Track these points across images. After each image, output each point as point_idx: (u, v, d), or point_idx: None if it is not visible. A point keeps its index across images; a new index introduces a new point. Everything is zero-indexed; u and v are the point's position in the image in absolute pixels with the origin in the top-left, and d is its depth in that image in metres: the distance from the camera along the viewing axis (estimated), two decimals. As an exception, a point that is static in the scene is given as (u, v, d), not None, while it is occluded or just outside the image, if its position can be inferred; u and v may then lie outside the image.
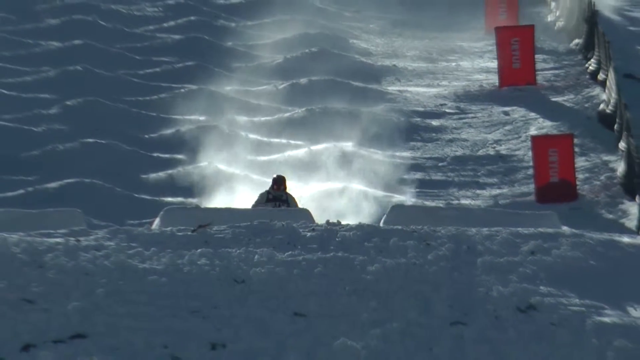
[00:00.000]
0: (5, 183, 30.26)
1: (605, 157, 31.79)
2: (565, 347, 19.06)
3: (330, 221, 23.38)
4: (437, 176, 31.87)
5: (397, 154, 32.55)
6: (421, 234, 21.91)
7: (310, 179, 30.54)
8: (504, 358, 18.91)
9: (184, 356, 18.88)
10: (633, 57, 37.64)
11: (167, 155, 32.12)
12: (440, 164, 32.38)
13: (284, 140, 33.30)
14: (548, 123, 33.34)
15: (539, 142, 30.66)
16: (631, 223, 28.44)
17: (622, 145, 31.28)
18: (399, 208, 25.08)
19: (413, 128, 33.86)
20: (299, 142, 32.93)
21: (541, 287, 20.38)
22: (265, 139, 33.45)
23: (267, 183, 30.19)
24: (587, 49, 38.28)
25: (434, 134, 33.51)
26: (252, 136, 33.47)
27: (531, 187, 30.68)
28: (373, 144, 32.68)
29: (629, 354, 18.89)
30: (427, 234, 21.93)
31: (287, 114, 34.95)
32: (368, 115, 34.22)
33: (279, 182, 27.73)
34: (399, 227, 22.43)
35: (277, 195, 27.18)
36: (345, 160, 31.80)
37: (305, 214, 24.38)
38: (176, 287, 20.39)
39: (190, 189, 29.74)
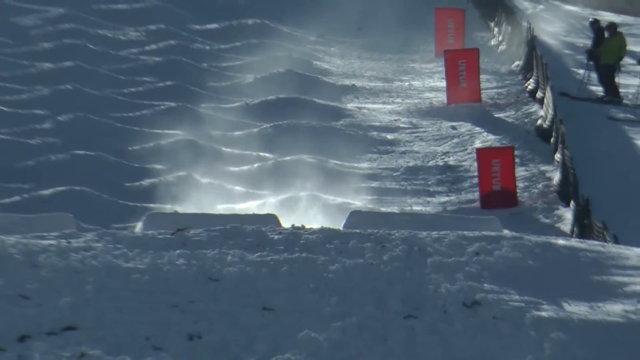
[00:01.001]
0: (3, 190, 30.22)
1: (543, 168, 31.89)
2: (507, 339, 19.12)
3: (295, 225, 23.42)
4: (392, 185, 31.89)
5: (356, 164, 32.59)
6: (377, 236, 21.94)
7: (278, 188, 30.57)
8: (451, 348, 18.95)
9: (164, 346, 18.88)
10: (567, 78, 37.73)
11: (148, 166, 32.11)
12: (394, 174, 32.40)
13: (254, 153, 33.33)
14: (491, 137, 33.42)
15: (483, 154, 30.72)
16: (566, 227, 28.52)
17: (557, 156, 31.36)
18: (357, 213, 25.11)
19: (370, 141, 33.91)
20: (267, 155, 32.96)
21: (485, 285, 20.43)
22: (237, 151, 33.47)
23: (238, 191, 30.20)
24: (526, 70, 38.37)
25: (388, 147, 33.55)
26: (225, 149, 33.49)
27: (476, 195, 30.73)
28: (334, 156, 32.71)
29: (564, 345, 18.96)
30: (382, 236, 21.97)
31: (256, 129, 34.98)
32: (330, 129, 34.26)
33: None
34: (357, 231, 22.47)
35: None
36: (309, 170, 31.83)
37: (273, 219, 24.41)
38: (157, 284, 20.41)
39: (169, 196, 29.74)
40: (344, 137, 33.14)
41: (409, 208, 29.99)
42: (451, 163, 31.77)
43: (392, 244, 21.78)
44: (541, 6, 47.03)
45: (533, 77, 37.12)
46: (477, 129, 34.19)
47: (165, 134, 33.91)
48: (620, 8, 51.37)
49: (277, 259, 21.18)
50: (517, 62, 39.17)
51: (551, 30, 44.09)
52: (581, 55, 39.62)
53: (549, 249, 22.13)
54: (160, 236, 22.03)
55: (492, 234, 22.86)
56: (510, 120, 34.99)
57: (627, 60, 37.82)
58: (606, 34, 38.06)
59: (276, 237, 22.12)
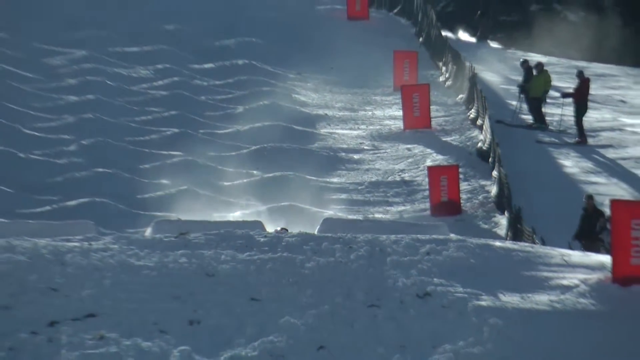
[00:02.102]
0: (36, 202, 30.20)
1: (482, 182, 31.92)
2: (452, 324, 19.13)
3: (278, 230, 23.44)
4: (358, 197, 31.87)
5: (328, 179, 32.58)
6: (345, 239, 21.94)
7: (263, 199, 30.57)
8: (407, 332, 18.96)
9: (168, 330, 18.86)
10: (503, 108, 37.82)
11: (156, 181, 32.08)
12: (359, 187, 32.41)
13: (243, 170, 33.30)
14: (440, 157, 33.43)
15: (433, 171, 30.77)
16: (501, 231, 28.57)
17: (494, 173, 31.43)
18: (329, 220, 25.10)
19: (339, 160, 33.87)
20: (254, 172, 32.94)
21: (434, 279, 20.44)
22: (229, 169, 33.44)
23: (230, 202, 30.15)
24: (468, 102, 38.40)
25: (355, 165, 33.55)
26: (219, 167, 33.46)
27: (427, 205, 30.73)
28: (310, 172, 32.71)
29: (499, 328, 18.99)
30: (349, 239, 21.96)
31: (245, 150, 34.94)
32: (306, 151, 34.24)
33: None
34: (329, 235, 22.47)
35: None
36: (289, 184, 31.85)
37: (259, 224, 24.37)
38: (163, 279, 20.40)
39: (173, 206, 29.72)
40: (318, 157, 33.16)
41: (372, 216, 29.99)
42: (407, 178, 31.76)
43: (357, 245, 21.78)
44: (483, 49, 46.95)
45: (474, 107, 37.14)
46: (428, 150, 34.19)
47: (169, 155, 33.88)
48: (546, 50, 51.54)
49: (262, 257, 21.19)
50: (461, 95, 39.19)
51: (489, 68, 44.13)
52: (514, 89, 39.68)
53: (487, 249, 22.16)
54: (166, 239, 22.01)
55: (441, 237, 22.87)
56: (455, 143, 35.00)
57: (552, 93, 37.90)
58: (534, 72, 38.17)
59: (262, 239, 22.11)
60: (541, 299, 19.97)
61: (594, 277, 20.70)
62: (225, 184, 31.74)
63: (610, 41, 54.10)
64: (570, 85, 37.84)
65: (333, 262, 21.04)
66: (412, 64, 40.55)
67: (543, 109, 37.47)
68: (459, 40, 47.50)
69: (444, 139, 35.24)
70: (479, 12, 54.86)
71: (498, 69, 44.54)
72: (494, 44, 52.54)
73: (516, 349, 18.59)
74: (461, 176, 30.85)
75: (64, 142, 34.07)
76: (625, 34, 53.42)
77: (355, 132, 35.86)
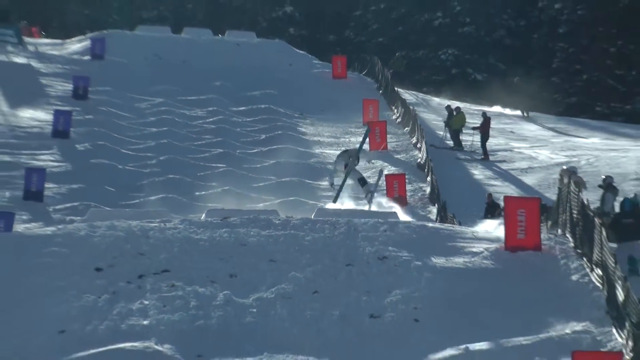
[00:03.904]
0: (130, 197, 30.14)
1: (421, 185, 31.87)
2: (401, 277, 19.18)
3: (287, 216, 23.48)
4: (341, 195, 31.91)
5: (320, 183, 32.47)
6: (331, 222, 21.90)
7: (278, 195, 30.48)
8: (371, 282, 19.00)
9: (216, 280, 18.89)
10: (433, 136, 37.88)
11: (209, 183, 32.05)
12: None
13: (265, 176, 33.22)
14: (393, 168, 33.36)
15: (389, 177, 30.75)
16: (433, 217, 28.57)
17: (428, 179, 31.50)
18: (321, 210, 25.13)
19: (327, 170, 33.82)
20: (272, 177, 32.87)
21: (389, 248, 20.45)
22: (256, 175, 33.37)
23: (257, 198, 30.14)
24: (411, 132, 38.41)
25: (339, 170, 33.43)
26: (250, 174, 33.35)
27: (384, 199, 30.78)
28: (308, 178, 32.65)
29: (431, 280, 19.02)
30: (334, 222, 21.93)
31: (266, 164, 34.60)
32: (306, 164, 34.16)
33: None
34: (321, 219, 22.52)
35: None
36: (294, 185, 31.81)
37: (275, 212, 24.34)
38: (212, 247, 20.44)
39: (219, 200, 29.73)
40: (313, 168, 33.01)
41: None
42: (371, 181, 31.76)
43: (339, 225, 21.79)
44: (413, 99, 46.66)
45: (415, 136, 37.20)
46: (385, 164, 34.15)
47: (216, 166, 33.80)
48: (462, 99, 51.55)
49: (277, 233, 21.20)
50: (407, 128, 39.20)
51: (425, 111, 44.24)
52: (441, 124, 39.75)
53: (424, 228, 22.20)
54: (214, 221, 22.03)
55: (394, 219, 22.94)
56: (403, 159, 34.98)
57: (467, 126, 38.00)
58: (454, 113, 38.30)
59: (277, 222, 22.13)
60: (458, 261, 20.03)
61: (493, 246, 20.76)
62: (253, 185, 31.72)
63: (503, 92, 54.28)
64: (477, 121, 37.92)
65: (323, 237, 21.06)
66: (374, 107, 40.50)
67: (460, 137, 37.56)
68: (404, 92, 47.40)
69: (395, 157, 35.23)
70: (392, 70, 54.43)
71: (430, 111, 44.59)
72: (427, 95, 52.48)
73: (441, 293, 18.67)
74: (407, 180, 30.82)
75: (147, 158, 34.11)
76: (513, 87, 53.45)
77: (338, 152, 35.87)
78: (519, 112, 42.73)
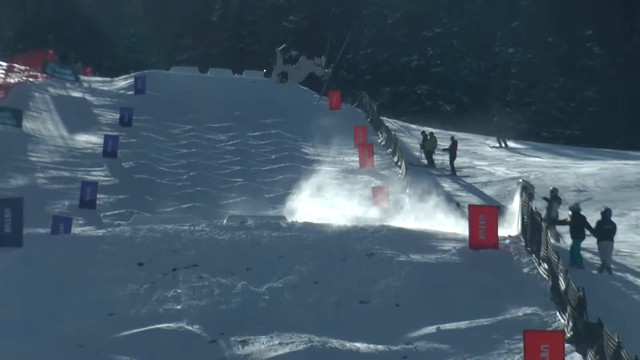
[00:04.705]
0: (166, 205, 29.80)
1: (401, 195, 31.60)
2: (385, 270, 19.16)
3: (292, 221, 23.43)
4: (336, 202, 31.53)
5: (320, 194, 32.20)
6: (328, 225, 21.98)
7: (285, 204, 30.20)
8: (361, 274, 18.97)
9: (236, 272, 18.86)
10: (411, 156, 37.68)
11: (229, 195, 31.77)
12: (336, 198, 31.97)
13: (276, 189, 32.98)
14: (378, 182, 33.22)
15: (375, 189, 30.25)
16: (410, 219, 28.26)
17: (407, 190, 31.22)
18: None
19: (326, 184, 33.12)
20: (281, 190, 32.63)
21: (375, 246, 20.43)
22: (268, 188, 33.18)
23: (269, 206, 29.91)
24: (393, 153, 38.27)
25: (334, 186, 32.94)
26: (263, 187, 33.17)
27: (372, 205, 30.42)
28: (310, 190, 32.34)
29: (410, 272, 18.98)
30: (330, 224, 22.01)
31: (276, 178, 34.43)
32: (308, 178, 33.74)
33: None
34: (320, 222, 22.47)
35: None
36: (299, 196, 31.51)
37: (283, 217, 24.27)
38: (233, 246, 20.43)
39: (238, 208, 29.52)
40: (313, 182, 32.65)
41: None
42: (361, 193, 31.62)
43: (335, 228, 21.86)
44: (395, 126, 46.48)
45: (397, 156, 37.14)
46: (372, 178, 34.09)
47: (236, 181, 33.63)
48: (434, 125, 51.43)
49: (285, 235, 21.20)
50: (389, 149, 39.12)
51: (404, 136, 44.10)
52: (417, 146, 39.70)
53: (404, 231, 22.18)
54: (234, 225, 22.06)
55: (379, 225, 22.93)
56: (386, 174, 34.86)
57: (438, 148, 37.94)
58: (428, 137, 38.28)
59: (284, 225, 22.14)
60: (431, 257, 20.01)
61: (459, 245, 20.73)
62: (265, 196, 31.63)
63: (468, 120, 54.30)
64: (447, 144, 37.89)
65: (322, 237, 21.07)
66: (363, 132, 40.36)
67: (433, 157, 37.51)
68: (387, 120, 47.25)
69: (381, 172, 35.13)
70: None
71: (408, 136, 44.46)
72: (405, 123, 52.34)
73: (418, 283, 18.65)
74: (390, 192, 30.71)
75: (180, 174, 34.06)
76: (476, 116, 53.43)
77: (334, 169, 35.73)
78: (495, 142, 42.36)
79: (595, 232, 19.80)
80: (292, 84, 51.47)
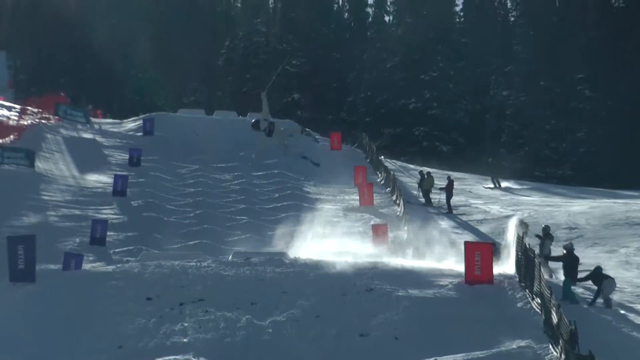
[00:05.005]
0: (173, 242, 29.47)
1: (399, 232, 31.40)
2: (384, 304, 19.17)
3: (295, 257, 23.44)
4: (337, 240, 31.44)
5: (322, 231, 32.14)
6: (329, 262, 21.93)
7: (288, 241, 30.07)
8: (361, 308, 18.96)
9: (240, 307, 18.84)
10: (409, 195, 37.80)
11: (234, 231, 31.70)
12: (337, 235, 31.98)
13: (279, 226, 32.79)
14: (378, 220, 32.98)
15: (376, 227, 29.70)
16: (409, 257, 28.27)
17: (405, 228, 31.26)
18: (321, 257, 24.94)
19: (327, 221, 32.70)
20: (284, 227, 32.46)
21: (375, 281, 20.44)
22: (272, 225, 33.05)
23: (273, 243, 29.83)
24: (392, 192, 38.28)
25: (335, 224, 32.87)
26: (266, 225, 32.96)
27: (370, 240, 30.35)
28: (312, 227, 32.29)
29: (408, 307, 19.01)
30: (332, 262, 21.90)
31: (280, 216, 34.52)
32: (310, 216, 33.82)
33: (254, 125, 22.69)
34: (322, 260, 22.47)
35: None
36: (303, 234, 31.45)
37: (285, 254, 24.26)
38: (238, 282, 20.43)
39: (243, 245, 29.24)
40: (316, 220, 32.69)
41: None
42: (361, 230, 31.62)
43: (336, 265, 21.87)
44: (394, 166, 46.78)
45: (395, 194, 37.19)
46: (372, 216, 34.06)
47: (241, 219, 33.50)
48: (431, 165, 51.56)
49: (287, 270, 21.22)
50: (388, 188, 39.20)
51: (402, 175, 44.29)
52: (415, 185, 39.74)
53: (402, 268, 22.20)
54: (239, 261, 22.09)
55: (379, 261, 22.87)
56: (386, 212, 34.84)
57: (435, 187, 38.04)
58: (425, 176, 38.41)
59: (286, 261, 22.16)
60: (429, 291, 20.04)
61: (455, 280, 20.76)
62: (269, 233, 31.68)
63: (464, 160, 54.55)
64: (443, 183, 38.01)
65: (323, 274, 21.09)
66: (363, 172, 40.44)
67: (430, 196, 37.62)
68: (386, 160, 47.42)
69: (380, 210, 35.13)
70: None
71: (406, 175, 44.57)
72: (404, 163, 52.49)
73: (416, 316, 18.67)
74: (389, 229, 30.71)
75: (186, 212, 34.08)
76: (471, 156, 53.66)
77: (334, 207, 35.76)
78: (490, 183, 42.47)
79: (591, 277, 19.95)
80: (293, 125, 51.70)
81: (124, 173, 37.53)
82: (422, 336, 17.69)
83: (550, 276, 21.93)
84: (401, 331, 17.90)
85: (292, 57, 56.44)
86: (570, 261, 20.22)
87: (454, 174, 42.57)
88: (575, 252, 20.77)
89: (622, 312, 19.50)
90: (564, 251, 20.58)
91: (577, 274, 20.22)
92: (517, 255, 21.21)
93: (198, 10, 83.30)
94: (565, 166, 61.09)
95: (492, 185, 41.72)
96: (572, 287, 20.08)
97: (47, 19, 77.07)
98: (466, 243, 21.73)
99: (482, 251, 20.71)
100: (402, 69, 68.73)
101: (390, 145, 60.73)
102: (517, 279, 20.69)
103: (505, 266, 21.95)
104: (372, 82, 69.69)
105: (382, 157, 46.56)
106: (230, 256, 23.34)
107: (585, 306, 19.66)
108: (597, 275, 19.92)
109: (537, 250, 21.95)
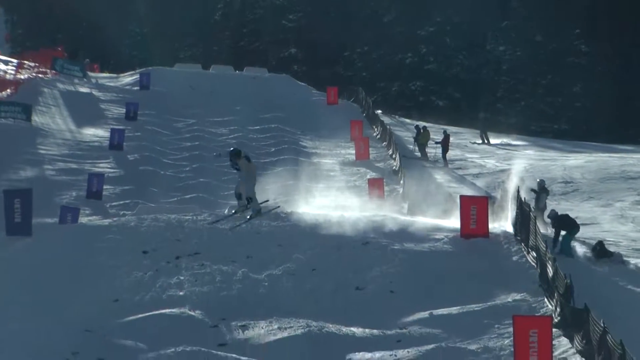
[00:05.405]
0: (169, 196, 29.71)
1: (395, 186, 31.60)
2: (380, 257, 19.09)
3: (289, 210, 23.30)
4: (331, 194, 31.26)
5: (316, 185, 31.93)
6: (324, 215, 21.90)
7: (284, 194, 30.02)
8: (356, 261, 18.90)
9: (237, 260, 18.80)
10: (405, 149, 37.56)
11: (229, 185, 31.50)
12: (336, 186, 31.65)
13: (275, 180, 32.57)
14: (374, 174, 33.05)
15: (371, 181, 30.15)
16: (404, 210, 28.08)
17: (401, 182, 31.25)
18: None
19: (323, 176, 32.80)
20: (278, 181, 32.19)
21: (370, 235, 20.40)
22: (269, 179, 32.85)
23: (269, 196, 29.62)
24: (388, 146, 38.11)
25: (330, 177, 32.88)
26: (262, 179, 32.98)
27: (367, 195, 30.26)
28: (308, 181, 32.08)
29: (404, 260, 18.95)
30: (327, 214, 21.88)
31: (277, 169, 34.07)
32: (306, 170, 33.42)
33: (232, 155, 21.97)
34: (316, 213, 22.38)
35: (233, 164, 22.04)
36: (298, 187, 31.33)
37: (280, 208, 24.06)
38: (234, 235, 20.35)
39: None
40: (311, 173, 32.41)
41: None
42: (357, 184, 31.52)
43: (331, 217, 21.76)
44: (392, 120, 46.56)
45: (391, 148, 37.06)
46: (368, 170, 33.97)
47: (236, 172, 33.41)
48: (428, 120, 51.29)
49: (283, 224, 21.14)
50: (384, 142, 39.04)
51: (398, 130, 43.98)
52: (411, 139, 39.59)
53: (398, 220, 22.15)
54: (236, 214, 21.94)
55: (373, 215, 22.82)
56: (382, 166, 34.74)
57: (431, 141, 37.86)
58: (421, 130, 38.20)
59: (283, 215, 22.09)
60: (425, 245, 19.98)
61: (451, 234, 20.70)
62: (266, 187, 31.36)
63: (460, 115, 54.23)
64: (439, 137, 37.81)
65: (319, 228, 20.95)
66: (359, 127, 40.26)
67: (426, 150, 37.44)
68: (382, 114, 47.15)
69: (376, 165, 35.01)
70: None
71: (403, 130, 44.24)
72: (401, 118, 52.25)
73: (411, 270, 18.60)
74: (385, 182, 30.61)
75: (183, 166, 33.92)
76: (469, 115, 53.23)
77: (330, 161, 35.62)
78: (478, 139, 42.25)
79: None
80: (290, 80, 51.35)
81: (121, 127, 37.24)
82: (418, 290, 17.64)
83: (547, 230, 21.82)
84: (397, 284, 17.83)
85: (288, 13, 55.72)
86: (560, 224, 20.13)
87: (450, 129, 42.35)
88: (570, 206, 20.63)
89: (617, 265, 19.41)
90: (550, 221, 20.50)
91: (573, 228, 20.09)
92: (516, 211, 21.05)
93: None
94: (561, 121, 60.94)
95: (479, 141, 41.49)
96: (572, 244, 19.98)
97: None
98: (461, 197, 21.59)
99: (477, 205, 20.62)
100: (399, 23, 68.19)
101: (390, 102, 60.41)
102: (513, 233, 20.58)
103: (503, 221, 21.82)
104: (368, 37, 69.16)
105: (380, 111, 46.33)
106: (226, 210, 23.18)
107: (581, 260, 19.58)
108: (562, 221, 19.80)
109: (532, 204, 21.81)
